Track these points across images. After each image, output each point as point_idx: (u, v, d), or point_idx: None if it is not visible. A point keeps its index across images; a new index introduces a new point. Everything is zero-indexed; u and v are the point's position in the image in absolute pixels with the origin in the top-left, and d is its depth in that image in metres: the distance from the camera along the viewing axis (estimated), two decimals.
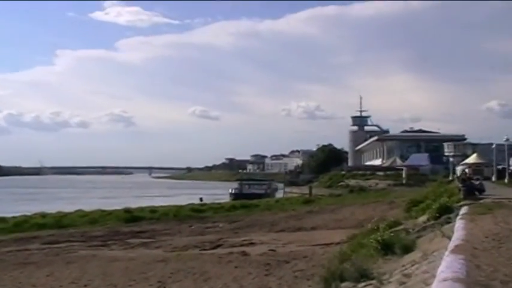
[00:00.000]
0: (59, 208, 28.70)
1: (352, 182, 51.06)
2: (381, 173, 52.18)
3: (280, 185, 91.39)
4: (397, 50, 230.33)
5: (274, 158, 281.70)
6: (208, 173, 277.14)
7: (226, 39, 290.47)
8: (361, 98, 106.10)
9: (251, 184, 78.60)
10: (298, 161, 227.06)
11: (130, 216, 24.85)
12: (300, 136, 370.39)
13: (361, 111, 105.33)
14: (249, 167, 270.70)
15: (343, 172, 59.72)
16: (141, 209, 27.82)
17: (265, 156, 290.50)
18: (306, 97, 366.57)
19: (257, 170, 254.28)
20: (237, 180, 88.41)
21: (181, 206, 30.86)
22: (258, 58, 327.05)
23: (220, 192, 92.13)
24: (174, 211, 27.62)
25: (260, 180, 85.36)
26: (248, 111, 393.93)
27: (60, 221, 22.12)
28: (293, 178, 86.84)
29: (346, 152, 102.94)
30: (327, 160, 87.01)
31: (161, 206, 31.04)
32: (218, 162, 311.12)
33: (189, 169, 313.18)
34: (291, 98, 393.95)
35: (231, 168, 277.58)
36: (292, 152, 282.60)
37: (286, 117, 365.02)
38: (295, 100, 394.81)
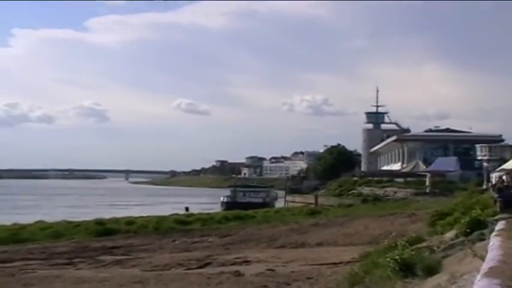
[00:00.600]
0: (15, 219, 28.04)
1: (365, 190, 51.08)
2: (400, 180, 52.24)
3: (281, 193, 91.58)
4: (421, 34, 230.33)
5: (273, 160, 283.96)
6: (196, 178, 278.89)
7: (218, 20, 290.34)
8: (377, 90, 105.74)
9: (246, 191, 78.94)
10: (301, 165, 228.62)
11: (103, 228, 24.63)
12: (304, 135, 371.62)
13: (377, 106, 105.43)
14: (244, 171, 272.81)
15: (355, 178, 59.75)
16: (116, 220, 27.64)
17: (263, 159, 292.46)
18: (312, 89, 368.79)
19: (253, 175, 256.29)
20: (229, 186, 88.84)
21: (163, 217, 30.73)
22: (256, 42, 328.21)
23: (210, 201, 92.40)
24: (155, 223, 27.45)
25: (257, 186, 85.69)
26: (243, 105, 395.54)
27: (16, 235, 21.54)
28: (296, 185, 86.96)
29: (359, 155, 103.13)
30: (336, 164, 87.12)
31: (139, 217, 30.89)
32: (208, 166, 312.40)
33: (173, 173, 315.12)
34: (294, 90, 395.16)
35: (223, 172, 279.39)
36: (295, 154, 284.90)
37: (288, 113, 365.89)
38: (299, 92, 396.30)
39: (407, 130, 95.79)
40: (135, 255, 17.82)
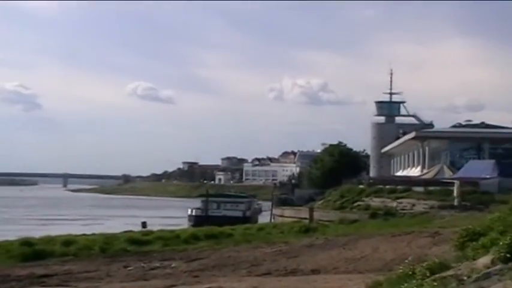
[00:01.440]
0: None
1: (375, 202, 51.17)
2: (419, 189, 52.34)
3: (266, 205, 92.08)
4: (448, 3, 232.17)
5: (257, 163, 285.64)
6: (157, 184, 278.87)
7: None
8: (391, 73, 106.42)
9: (222, 202, 79.24)
10: (293, 169, 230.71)
11: (31, 250, 23.89)
12: (297, 131, 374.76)
13: (390, 94, 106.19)
14: (219, 176, 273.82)
15: (362, 186, 59.89)
16: (49, 240, 26.96)
17: (243, 161, 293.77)
18: (307, 71, 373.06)
19: (231, 182, 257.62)
20: (200, 196, 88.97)
21: (112, 236, 30.37)
22: (234, 11, 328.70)
23: (175, 215, 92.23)
24: (102, 243, 26.95)
25: (236, 196, 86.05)
26: (218, 91, 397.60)
27: None
28: (285, 194, 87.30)
29: (367, 156, 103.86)
30: (337, 168, 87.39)
31: (81, 235, 30.47)
32: (172, 169, 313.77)
33: (126, 178, 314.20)
34: (284, 71, 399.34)
35: (192, 178, 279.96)
36: (285, 154, 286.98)
37: (276, 102, 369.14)
38: (290, 75, 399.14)
39: (430, 125, 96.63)
40: (74, 286, 17.47)
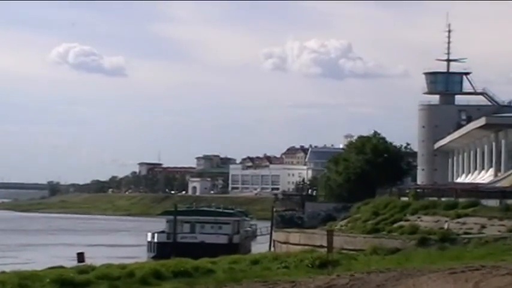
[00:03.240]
0: None
1: (425, 222, 51.07)
2: (492, 203, 52.35)
3: (264, 225, 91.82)
4: None
5: (249, 164, 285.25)
6: (100, 197, 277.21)
7: None
8: (449, 30, 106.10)
9: (197, 223, 79.37)
10: (303, 173, 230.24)
11: None
12: (308, 116, 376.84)
13: (448, 61, 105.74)
14: (194, 183, 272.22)
15: (406, 198, 59.86)
16: None
17: (229, 161, 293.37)
18: (321, 28, 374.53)
19: (212, 191, 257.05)
20: (165, 214, 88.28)
21: (32, 275, 30.25)
22: None
23: (127, 241, 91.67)
24: (16, 286, 27.00)
25: (218, 214, 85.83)
26: (188, 57, 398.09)
27: None
28: (292, 210, 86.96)
29: (413, 154, 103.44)
30: (368, 171, 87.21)
31: None
32: (123, 173, 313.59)
33: (53, 188, 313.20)
34: (287, 28, 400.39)
35: (153, 186, 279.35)
36: (291, 151, 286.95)
37: (276, 74, 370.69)
38: (297, 34, 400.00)
39: (507, 107, 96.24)
40: None
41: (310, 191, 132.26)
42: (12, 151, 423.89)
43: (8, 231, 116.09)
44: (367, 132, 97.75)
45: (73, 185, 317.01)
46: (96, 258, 43.99)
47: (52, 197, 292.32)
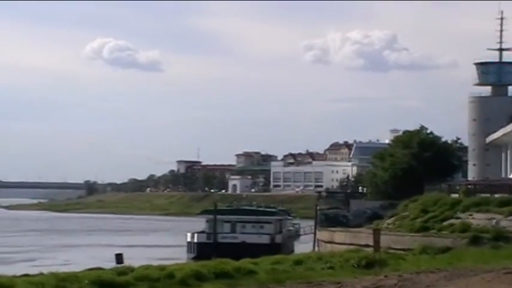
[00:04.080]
0: None
1: (478, 220, 50.73)
2: None
3: (307, 224, 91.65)
4: None
5: (291, 161, 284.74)
6: (138, 196, 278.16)
7: None
8: (501, 17, 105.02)
9: (238, 222, 79.47)
10: (347, 169, 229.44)
11: None
12: (352, 111, 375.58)
13: (501, 50, 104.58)
14: (234, 181, 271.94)
15: (456, 195, 59.39)
16: None
17: (270, 158, 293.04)
18: (365, 18, 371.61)
19: (252, 190, 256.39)
20: (204, 213, 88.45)
21: (70, 276, 30.46)
22: None
23: (166, 242, 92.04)
24: (54, 287, 27.15)
25: (260, 213, 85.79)
26: (227, 51, 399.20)
27: None
28: (336, 208, 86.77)
29: (463, 148, 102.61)
30: (416, 167, 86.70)
31: (23, 277, 30.61)
32: (161, 172, 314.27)
33: (90, 187, 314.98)
34: (329, 21, 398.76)
35: (192, 184, 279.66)
36: (335, 147, 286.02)
37: (317, 67, 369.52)
38: (339, 25, 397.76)
39: None
40: None
41: (355, 188, 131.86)
42: (48, 150, 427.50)
43: (45, 232, 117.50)
44: (413, 126, 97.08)
45: (110, 184, 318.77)
46: (134, 259, 44.26)
47: (89, 197, 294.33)
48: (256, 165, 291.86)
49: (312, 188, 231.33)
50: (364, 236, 52.35)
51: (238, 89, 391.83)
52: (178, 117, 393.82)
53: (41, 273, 32.12)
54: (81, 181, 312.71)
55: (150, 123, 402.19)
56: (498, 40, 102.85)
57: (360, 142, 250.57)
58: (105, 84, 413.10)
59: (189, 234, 77.16)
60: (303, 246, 77.27)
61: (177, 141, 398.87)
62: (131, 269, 33.75)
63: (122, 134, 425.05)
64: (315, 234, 74.15)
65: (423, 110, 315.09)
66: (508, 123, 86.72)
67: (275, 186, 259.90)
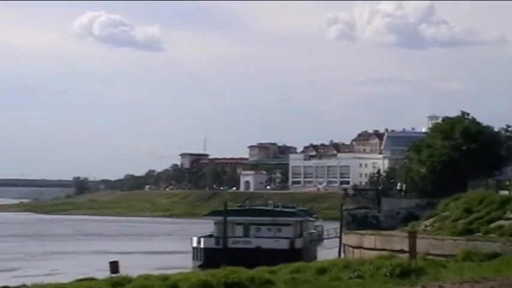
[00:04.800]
0: None
1: None
2: None
3: (331, 226, 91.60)
4: None
5: (312, 153, 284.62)
6: (136, 195, 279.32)
7: None
8: None
9: (252, 225, 79.58)
10: (378, 163, 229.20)
11: None
12: (383, 94, 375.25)
13: None
14: (247, 177, 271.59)
15: (507, 192, 59.16)
16: None
17: (289, 150, 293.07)
18: None
19: (268, 187, 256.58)
20: (213, 214, 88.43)
21: (61, 287, 30.70)
22: None
23: (169, 248, 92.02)
24: None
25: (277, 213, 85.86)
26: (236, 26, 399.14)
27: None
28: (365, 208, 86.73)
29: None
30: (458, 159, 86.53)
31: None
32: (162, 167, 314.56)
33: (80, 185, 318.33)
34: None
35: (198, 181, 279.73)
36: (363, 137, 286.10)
37: (342, 43, 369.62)
38: None
39: None
40: None
41: (387, 184, 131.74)
42: (31, 142, 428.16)
43: (28, 237, 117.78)
44: (455, 112, 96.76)
45: (103, 181, 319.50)
46: (132, 267, 44.39)
47: (79, 196, 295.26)
48: (273, 158, 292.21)
49: (336, 184, 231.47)
50: (398, 240, 52.43)
51: (251, 71, 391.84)
52: (183, 104, 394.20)
53: (24, 286, 32.30)
54: (70, 178, 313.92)
55: (149, 110, 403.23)
56: None
57: (393, 131, 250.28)
58: (97, 65, 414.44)
59: (195, 239, 77.29)
60: (327, 252, 77.34)
61: (181, 132, 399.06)
62: (128, 280, 33.94)
63: (117, 124, 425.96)
64: (340, 238, 74.19)
65: (466, 93, 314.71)
66: None
67: (294, 182, 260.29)
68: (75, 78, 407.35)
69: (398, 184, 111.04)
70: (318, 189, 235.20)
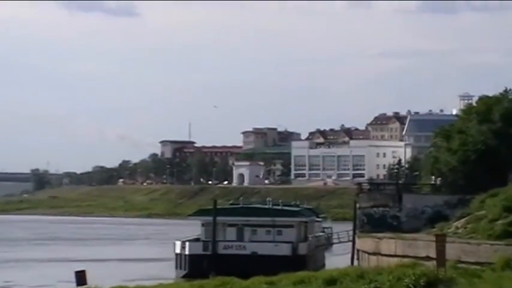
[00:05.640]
0: None
1: None
2: None
3: (342, 228, 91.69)
4: None
5: (319, 141, 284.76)
6: (107, 190, 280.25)
7: None
8: None
9: (247, 227, 79.63)
10: (398, 151, 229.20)
11: None
12: (402, 70, 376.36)
13: None
14: (241, 169, 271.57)
15: None
16: None
17: (290, 136, 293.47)
18: None
19: (266, 181, 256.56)
20: (200, 214, 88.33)
21: None
22: None
23: (147, 254, 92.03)
24: None
25: (276, 212, 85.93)
26: None
27: None
28: (383, 206, 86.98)
29: None
30: (495, 148, 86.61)
31: None
32: (139, 157, 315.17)
33: (39, 179, 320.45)
34: None
35: (181, 174, 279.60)
36: (380, 121, 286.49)
37: (353, 10, 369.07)
38: None
39: None
40: None
41: (409, 177, 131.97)
42: None
43: None
44: (492, 90, 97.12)
45: (68, 174, 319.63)
46: (103, 278, 44.56)
47: (38, 192, 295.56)
48: (272, 146, 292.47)
49: (348, 178, 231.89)
50: (422, 244, 52.58)
51: (246, 43, 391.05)
52: (163, 82, 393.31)
53: None
54: (27, 170, 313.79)
55: (123, 90, 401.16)
56: None
57: (417, 113, 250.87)
58: (59, 35, 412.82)
59: (178, 244, 77.33)
60: (337, 259, 77.56)
61: (160, 115, 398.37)
62: None
63: (84, 106, 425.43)
64: (353, 242, 74.44)
65: (506, 67, 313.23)
66: None
67: (298, 175, 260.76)
68: (33, 52, 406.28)
69: (424, 177, 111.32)
70: (325, 183, 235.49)
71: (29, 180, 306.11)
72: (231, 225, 78.76)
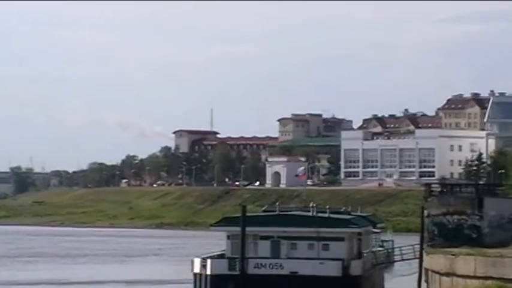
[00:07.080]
0: None
1: None
2: None
3: (406, 241, 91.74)
4: None
5: (377, 130, 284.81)
6: (106, 194, 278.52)
7: None
8: None
9: (283, 239, 79.89)
10: (478, 143, 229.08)
11: None
12: (480, 39, 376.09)
13: None
14: (276, 166, 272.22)
15: None
16: None
17: (341, 125, 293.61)
18: None
19: (309, 181, 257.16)
20: (224, 223, 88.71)
21: None
22: None
23: (158, 274, 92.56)
24: None
25: (321, 221, 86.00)
26: None
27: None
28: (460, 214, 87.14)
29: None
30: None
31: None
32: (146, 152, 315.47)
33: (21, 179, 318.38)
34: None
35: (201, 173, 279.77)
36: (454, 104, 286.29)
37: None
38: None
39: None
40: None
41: (493, 176, 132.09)
42: None
43: None
44: None
45: (57, 173, 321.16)
46: None
47: (20, 196, 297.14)
48: (316, 137, 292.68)
49: (414, 177, 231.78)
50: (511, 263, 52.58)
51: (282, 10, 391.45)
52: (176, 54, 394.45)
53: None
54: (5, 169, 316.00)
55: (127, 69, 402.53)
56: None
57: (502, 95, 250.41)
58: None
59: (197, 261, 77.53)
60: (399, 282, 77.50)
61: (174, 97, 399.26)
62: None
63: (76, 88, 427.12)
64: (420, 259, 74.58)
65: None
66: None
67: (349, 174, 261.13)
68: (17, 23, 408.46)
69: (511, 176, 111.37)
70: (379, 184, 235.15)
71: (7, 181, 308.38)
72: (264, 238, 78.68)
